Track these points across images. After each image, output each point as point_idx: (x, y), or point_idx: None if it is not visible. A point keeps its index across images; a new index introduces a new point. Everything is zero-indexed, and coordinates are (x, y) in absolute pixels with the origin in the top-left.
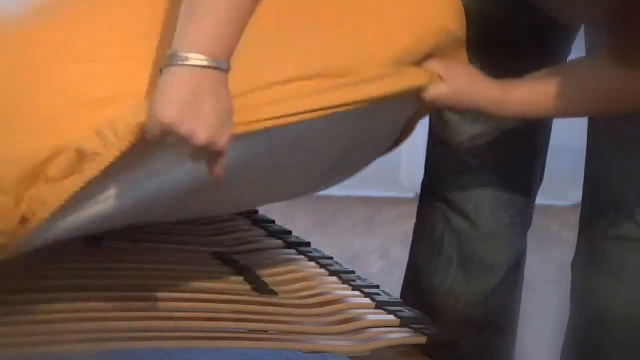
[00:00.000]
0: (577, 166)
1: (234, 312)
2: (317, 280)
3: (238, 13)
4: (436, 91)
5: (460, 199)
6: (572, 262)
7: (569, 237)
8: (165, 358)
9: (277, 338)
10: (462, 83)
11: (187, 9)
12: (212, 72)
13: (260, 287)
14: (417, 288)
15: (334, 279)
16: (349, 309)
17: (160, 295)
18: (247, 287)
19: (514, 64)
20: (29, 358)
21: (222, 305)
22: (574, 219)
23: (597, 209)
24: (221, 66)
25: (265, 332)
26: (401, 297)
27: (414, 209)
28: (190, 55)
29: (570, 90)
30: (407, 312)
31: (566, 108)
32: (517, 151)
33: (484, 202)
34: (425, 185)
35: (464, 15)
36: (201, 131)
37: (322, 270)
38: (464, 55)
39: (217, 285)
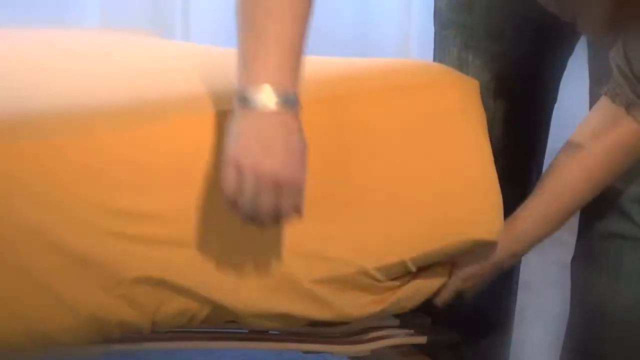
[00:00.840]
0: None
1: None
2: None
3: (301, 39)
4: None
5: None
6: (572, 260)
7: (570, 238)
8: (165, 358)
9: (277, 338)
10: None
11: (249, 39)
12: (285, 111)
13: None
14: None
15: None
16: None
17: None
18: None
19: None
20: (29, 358)
21: None
22: (574, 221)
23: (594, 208)
24: (293, 103)
25: (265, 332)
26: None
27: None
28: (261, 96)
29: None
30: (407, 312)
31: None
32: (514, 151)
33: None
34: None
35: (500, 216)
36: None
37: None
38: (490, 254)
39: None
